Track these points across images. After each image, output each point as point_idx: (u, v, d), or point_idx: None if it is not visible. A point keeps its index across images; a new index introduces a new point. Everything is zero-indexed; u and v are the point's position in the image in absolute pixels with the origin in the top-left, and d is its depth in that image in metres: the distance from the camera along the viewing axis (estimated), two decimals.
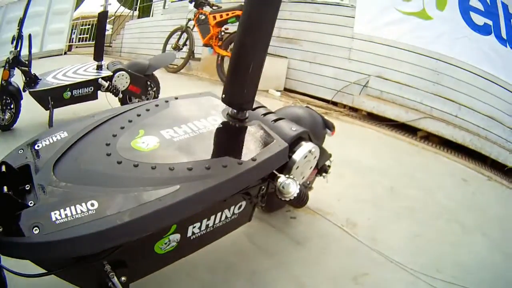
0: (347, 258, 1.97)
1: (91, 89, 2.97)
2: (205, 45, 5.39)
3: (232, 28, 5.28)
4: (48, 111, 2.70)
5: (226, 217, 1.49)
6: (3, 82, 2.65)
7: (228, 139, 1.56)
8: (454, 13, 4.04)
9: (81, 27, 10.45)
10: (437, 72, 4.13)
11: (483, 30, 3.96)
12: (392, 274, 1.90)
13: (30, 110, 2.69)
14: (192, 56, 5.79)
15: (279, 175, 1.51)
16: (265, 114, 1.71)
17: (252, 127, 1.59)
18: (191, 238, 1.39)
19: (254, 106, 1.71)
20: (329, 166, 2.12)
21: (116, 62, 3.30)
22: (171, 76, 5.61)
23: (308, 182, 2.13)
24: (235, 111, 1.60)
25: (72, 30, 8.12)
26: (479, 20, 3.97)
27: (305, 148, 1.62)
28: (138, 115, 1.53)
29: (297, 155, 1.60)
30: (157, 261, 1.35)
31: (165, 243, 1.29)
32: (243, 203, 1.53)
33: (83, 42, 9.98)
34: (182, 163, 1.28)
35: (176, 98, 1.72)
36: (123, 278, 1.15)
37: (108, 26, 8.67)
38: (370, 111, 4.38)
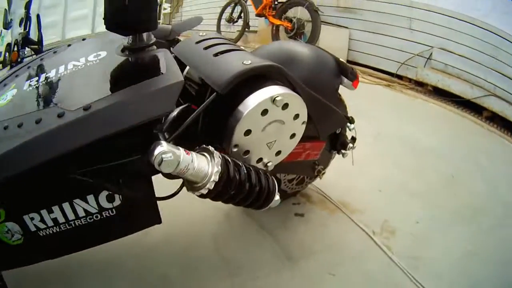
0: None
1: None
2: (258, 15, 5.20)
3: None
4: None
5: (88, 213, 1.00)
6: (12, 64, 2.68)
7: (87, 79, 1.10)
8: None
9: None
10: (495, 46, 3.70)
11: None
12: None
13: None
14: (247, 28, 5.64)
15: (160, 142, 0.88)
16: (210, 46, 1.17)
17: (141, 59, 1.15)
18: (40, 234, 0.99)
19: (204, 37, 1.25)
20: (353, 139, 1.52)
21: None
22: None
23: (315, 163, 1.53)
24: (131, 40, 1.17)
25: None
26: None
27: (264, 94, 1.02)
28: (28, 67, 1.27)
29: (246, 106, 1.01)
30: (15, 254, 1.03)
31: (6, 232, 0.99)
32: (107, 192, 1.00)
33: None
34: (13, 118, 0.95)
35: (84, 39, 1.39)
36: None
37: (167, 5, 8.62)
38: (435, 85, 3.93)
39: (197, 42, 1.21)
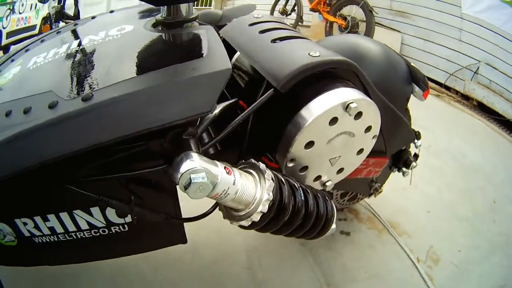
0: None
1: None
2: (312, 10, 5.09)
3: None
4: None
5: (93, 226, 0.83)
6: None
7: (99, 58, 0.88)
8: None
9: None
10: None
11: None
12: None
13: None
14: (300, 22, 5.60)
15: (189, 153, 0.65)
16: (267, 30, 0.98)
17: (176, 36, 0.94)
18: (35, 240, 0.85)
19: (260, 19, 1.05)
20: (415, 156, 1.34)
21: None
22: None
23: (373, 180, 1.34)
24: (165, 13, 0.96)
25: None
26: None
27: (335, 97, 0.80)
28: (42, 41, 1.09)
29: (311, 111, 0.79)
30: (7, 253, 0.90)
31: None
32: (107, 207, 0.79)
33: None
34: (3, 104, 0.77)
35: (112, 11, 1.19)
36: None
37: None
38: (481, 101, 3.80)
39: (251, 24, 1.02)
